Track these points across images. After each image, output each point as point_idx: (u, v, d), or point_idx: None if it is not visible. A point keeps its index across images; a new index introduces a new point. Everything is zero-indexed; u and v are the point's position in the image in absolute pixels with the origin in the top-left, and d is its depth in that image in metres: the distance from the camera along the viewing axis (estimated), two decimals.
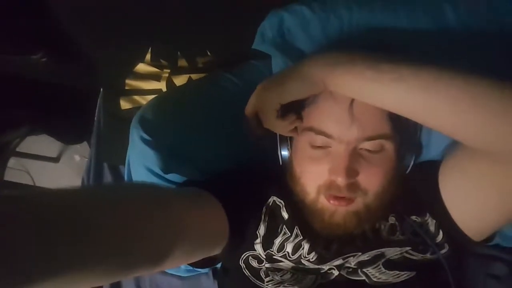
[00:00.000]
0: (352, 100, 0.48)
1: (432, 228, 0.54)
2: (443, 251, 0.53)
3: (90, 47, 0.79)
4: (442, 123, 0.44)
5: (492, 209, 0.49)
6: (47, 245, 0.28)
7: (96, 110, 0.84)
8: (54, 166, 1.51)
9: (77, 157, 1.51)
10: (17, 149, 1.29)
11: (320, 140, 0.50)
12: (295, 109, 0.52)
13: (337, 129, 0.48)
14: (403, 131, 0.52)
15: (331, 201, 0.49)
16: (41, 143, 1.41)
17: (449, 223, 0.52)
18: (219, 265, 0.67)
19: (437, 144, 0.59)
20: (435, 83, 0.41)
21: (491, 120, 0.40)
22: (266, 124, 0.54)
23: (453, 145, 0.54)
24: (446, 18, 0.59)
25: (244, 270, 0.56)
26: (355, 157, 0.48)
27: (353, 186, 0.48)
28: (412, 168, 0.55)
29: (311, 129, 0.50)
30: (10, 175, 1.40)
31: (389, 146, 0.50)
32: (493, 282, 0.63)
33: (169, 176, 0.61)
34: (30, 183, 1.49)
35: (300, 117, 0.53)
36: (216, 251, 0.52)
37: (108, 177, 0.82)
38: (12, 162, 1.45)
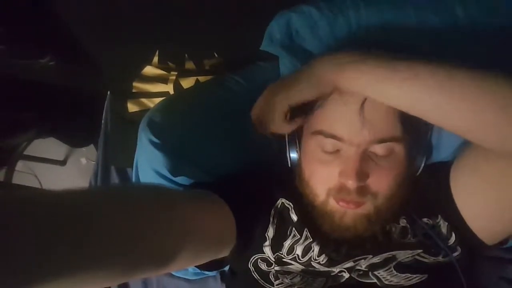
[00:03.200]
0: (363, 103, 0.47)
1: (444, 230, 0.53)
2: (456, 254, 0.53)
3: (96, 51, 0.79)
4: (457, 124, 0.43)
5: (505, 211, 0.48)
6: (47, 246, 0.28)
7: (103, 113, 0.85)
8: (61, 169, 1.52)
9: (83, 160, 1.52)
10: (25, 153, 1.30)
11: (330, 143, 0.49)
12: (302, 113, 0.52)
13: (347, 131, 0.48)
14: (414, 133, 0.51)
15: (341, 203, 0.48)
16: (48, 147, 1.42)
17: (461, 225, 0.51)
18: (227, 268, 0.67)
19: (448, 145, 0.58)
20: (451, 82, 0.40)
21: (510, 121, 0.39)
22: (272, 127, 0.54)
23: (465, 146, 0.53)
24: (455, 16, 0.58)
25: (253, 273, 0.56)
26: (365, 160, 0.48)
27: (363, 189, 0.48)
28: (423, 170, 0.55)
29: (320, 132, 0.50)
30: (18, 178, 1.42)
31: (399, 148, 0.49)
32: (507, 286, 0.62)
33: (177, 179, 0.60)
34: (37, 186, 1.50)
35: (306, 119, 0.52)
36: (224, 254, 0.52)
37: (115, 180, 0.82)
38: (20, 165, 1.46)
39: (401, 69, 0.42)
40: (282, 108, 0.51)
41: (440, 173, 0.54)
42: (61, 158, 1.52)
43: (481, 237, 0.51)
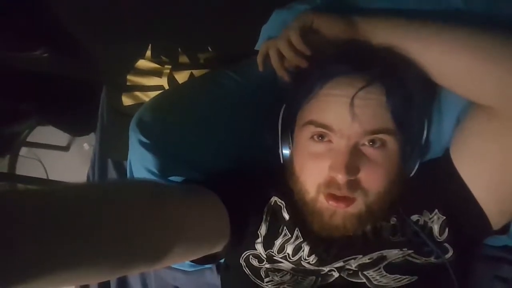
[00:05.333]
0: (353, 96, 0.46)
1: (436, 227, 0.53)
2: (448, 255, 0.52)
3: (89, 43, 0.78)
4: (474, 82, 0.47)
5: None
6: (46, 243, 0.29)
7: (100, 106, 0.84)
8: (65, 155, 1.54)
9: (86, 146, 1.53)
10: (29, 139, 1.32)
11: (320, 133, 0.49)
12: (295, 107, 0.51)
13: (337, 122, 0.47)
14: (407, 130, 0.50)
15: (330, 202, 0.48)
16: (52, 133, 1.44)
17: (468, 205, 0.51)
18: (223, 260, 0.67)
19: (437, 143, 0.58)
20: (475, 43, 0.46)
21: None
22: (281, 40, 0.53)
23: (459, 125, 0.55)
24: (456, 8, 0.56)
25: (244, 269, 0.56)
26: (356, 154, 0.47)
27: (353, 184, 0.47)
28: (417, 170, 0.54)
29: (311, 122, 0.49)
30: (23, 164, 1.44)
31: (392, 143, 0.48)
32: (501, 284, 0.62)
33: (170, 178, 0.60)
34: (42, 171, 1.53)
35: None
36: (217, 249, 0.52)
37: (112, 173, 0.82)
38: (25, 151, 1.49)
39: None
40: (306, 20, 0.52)
41: (439, 162, 0.55)
42: (64, 144, 1.54)
43: (488, 214, 0.51)
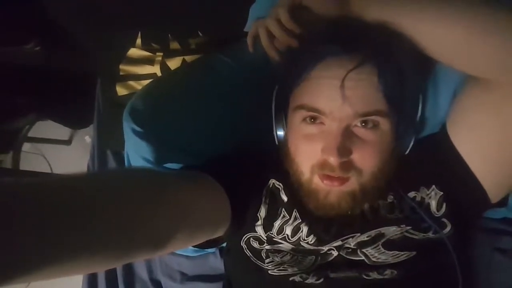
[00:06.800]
0: (344, 78, 0.46)
1: (434, 202, 0.53)
2: (446, 230, 0.52)
3: (78, 33, 0.77)
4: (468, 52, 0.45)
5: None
6: (46, 235, 0.29)
7: (96, 97, 0.84)
8: (67, 149, 1.55)
9: (87, 138, 1.54)
10: (30, 134, 1.33)
11: (312, 117, 0.49)
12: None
13: (328, 105, 0.47)
14: (401, 110, 0.49)
15: (325, 182, 0.48)
16: (53, 127, 1.44)
17: (468, 180, 0.51)
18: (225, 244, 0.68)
19: (434, 118, 0.57)
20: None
21: None
22: (268, 22, 0.52)
23: (455, 99, 0.53)
24: None
25: (245, 251, 0.57)
26: (348, 135, 0.47)
27: (346, 165, 0.47)
28: (413, 147, 0.53)
29: (303, 106, 0.49)
30: (26, 159, 1.45)
31: (385, 124, 0.48)
32: (500, 256, 0.62)
33: (166, 165, 0.60)
34: (46, 166, 1.55)
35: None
36: (219, 233, 0.52)
37: (112, 163, 0.83)
38: (28, 146, 1.50)
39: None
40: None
41: (436, 137, 0.54)
42: (66, 137, 1.55)
43: (486, 188, 0.51)
